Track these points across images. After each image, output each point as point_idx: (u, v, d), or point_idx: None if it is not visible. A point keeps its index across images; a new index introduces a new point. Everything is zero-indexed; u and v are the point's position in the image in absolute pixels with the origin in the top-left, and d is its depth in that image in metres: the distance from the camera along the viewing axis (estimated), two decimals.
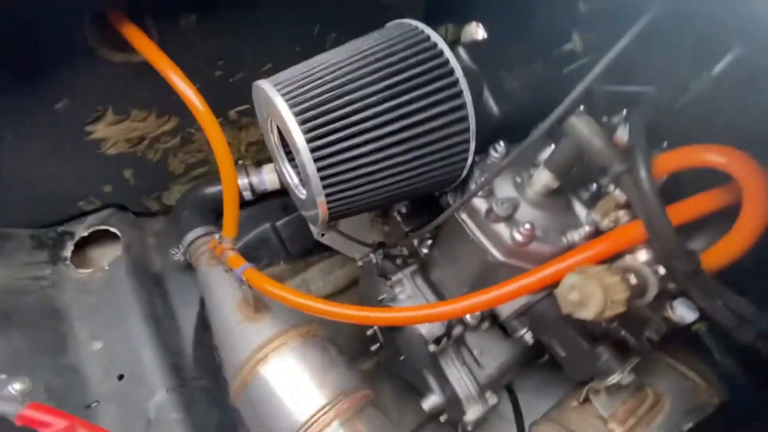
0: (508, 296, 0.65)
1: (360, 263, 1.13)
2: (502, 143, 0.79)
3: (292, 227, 1.32)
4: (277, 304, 0.84)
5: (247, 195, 1.28)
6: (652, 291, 0.58)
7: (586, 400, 0.75)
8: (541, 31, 0.86)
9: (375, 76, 0.61)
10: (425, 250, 1.05)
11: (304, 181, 0.62)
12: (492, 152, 0.80)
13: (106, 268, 1.08)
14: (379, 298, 1.01)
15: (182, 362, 1.03)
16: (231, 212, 0.84)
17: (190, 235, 1.08)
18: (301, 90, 0.59)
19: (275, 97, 0.59)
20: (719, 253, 0.58)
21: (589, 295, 0.52)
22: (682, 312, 0.65)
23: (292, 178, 0.78)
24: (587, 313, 0.54)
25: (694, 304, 0.64)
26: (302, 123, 0.58)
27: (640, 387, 0.75)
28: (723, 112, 0.71)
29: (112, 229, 1.13)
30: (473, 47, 0.79)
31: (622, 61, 0.94)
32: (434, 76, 0.62)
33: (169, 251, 1.11)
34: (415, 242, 1.09)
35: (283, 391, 0.77)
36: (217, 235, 0.93)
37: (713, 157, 0.54)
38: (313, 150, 0.58)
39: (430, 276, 1.03)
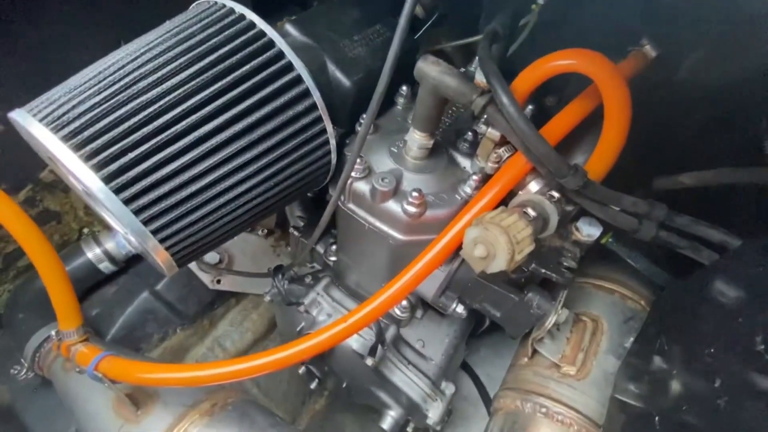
0: (418, 277, 0.57)
1: (268, 298, 0.97)
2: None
3: (179, 285, 1.11)
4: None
5: (107, 267, 1.04)
6: (554, 217, 0.54)
7: (535, 352, 0.70)
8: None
9: (171, 67, 0.47)
10: (333, 258, 0.94)
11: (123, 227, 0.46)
12: (359, 129, 0.73)
13: None
14: (297, 330, 0.87)
15: None
16: (61, 299, 0.64)
17: (33, 342, 0.83)
18: (69, 106, 0.43)
19: (31, 126, 0.42)
20: (601, 157, 0.56)
21: (493, 243, 0.46)
22: (588, 229, 0.63)
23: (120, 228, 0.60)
24: (499, 264, 0.47)
25: (595, 219, 0.63)
26: (79, 148, 0.42)
27: (577, 318, 0.73)
28: (565, 32, 0.72)
29: None
30: (301, 20, 0.71)
31: (465, 18, 0.96)
32: (250, 53, 0.51)
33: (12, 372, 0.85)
34: (321, 251, 0.97)
35: None
36: (53, 332, 0.70)
37: (562, 61, 0.51)
38: (107, 180, 0.43)
39: (346, 283, 0.92)
